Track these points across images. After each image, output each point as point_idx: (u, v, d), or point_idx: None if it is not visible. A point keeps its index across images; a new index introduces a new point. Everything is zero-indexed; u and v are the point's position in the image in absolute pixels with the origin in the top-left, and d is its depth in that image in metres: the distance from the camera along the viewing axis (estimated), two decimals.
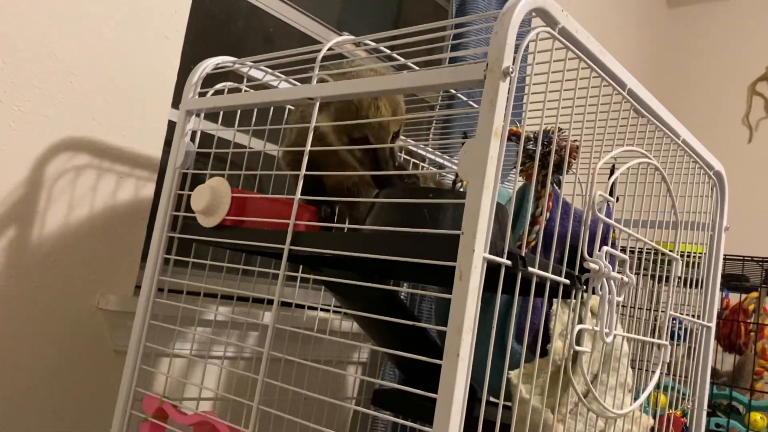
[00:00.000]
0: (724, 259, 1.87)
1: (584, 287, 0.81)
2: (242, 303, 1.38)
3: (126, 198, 1.19)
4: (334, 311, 1.50)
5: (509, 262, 0.70)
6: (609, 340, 0.84)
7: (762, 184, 2.94)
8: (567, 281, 0.79)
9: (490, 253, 0.66)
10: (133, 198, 1.20)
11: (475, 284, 0.65)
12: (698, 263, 1.17)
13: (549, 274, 0.76)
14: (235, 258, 1.37)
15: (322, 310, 1.50)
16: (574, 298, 0.82)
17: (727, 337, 2.03)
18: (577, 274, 0.81)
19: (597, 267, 0.81)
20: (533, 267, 0.73)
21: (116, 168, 1.18)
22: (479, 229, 0.65)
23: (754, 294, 1.98)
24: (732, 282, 2.03)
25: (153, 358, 1.20)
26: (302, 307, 1.54)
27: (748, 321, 1.95)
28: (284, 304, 1.54)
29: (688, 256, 1.13)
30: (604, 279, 0.81)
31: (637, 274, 1.24)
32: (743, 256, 1.82)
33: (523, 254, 0.72)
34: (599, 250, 0.81)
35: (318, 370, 1.48)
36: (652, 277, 1.18)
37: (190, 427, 0.90)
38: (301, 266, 1.31)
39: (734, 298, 2.07)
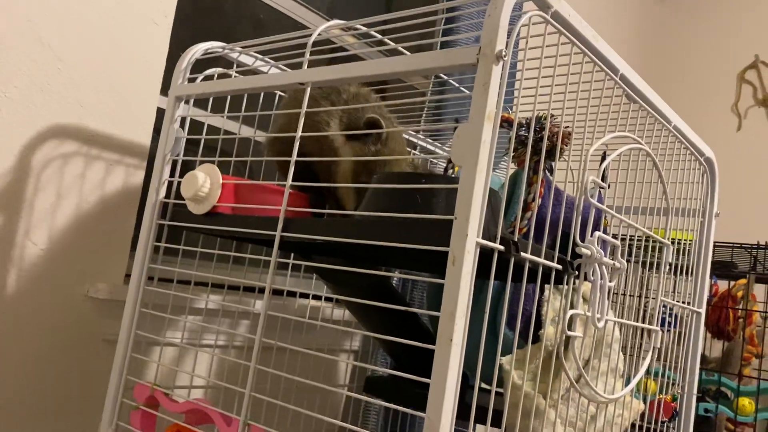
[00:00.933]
0: (714, 246, 1.88)
1: (576, 273, 0.81)
2: (233, 292, 1.37)
3: (115, 186, 1.18)
4: (325, 299, 1.50)
5: (502, 248, 0.70)
6: (601, 325, 0.84)
7: (751, 171, 2.96)
8: (559, 267, 0.79)
9: (483, 238, 0.66)
10: (122, 186, 1.19)
11: (468, 269, 0.65)
12: (688, 250, 1.17)
13: (541, 260, 0.76)
14: (226, 246, 1.36)
15: (313, 298, 1.50)
16: (566, 284, 0.82)
17: (716, 324, 2.04)
18: (569, 259, 0.81)
19: (589, 252, 0.81)
20: (525, 252, 0.73)
21: (105, 155, 1.16)
22: (472, 214, 0.64)
23: (743, 281, 1.99)
24: (721, 269, 2.04)
25: (144, 347, 1.19)
26: (294, 295, 1.53)
27: (737, 308, 1.97)
28: (275, 293, 1.53)
29: (679, 243, 1.14)
30: (596, 264, 0.82)
31: (628, 260, 1.25)
32: (732, 243, 1.83)
33: (516, 239, 0.72)
34: (591, 236, 0.82)
35: (310, 360, 1.48)
36: (643, 263, 1.18)
37: (181, 414, 0.90)
38: (292, 254, 1.30)
39: (723, 285, 2.08)
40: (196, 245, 1.02)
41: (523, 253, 0.72)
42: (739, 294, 2.00)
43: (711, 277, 2.00)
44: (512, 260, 0.72)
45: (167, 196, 1.01)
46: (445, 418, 0.62)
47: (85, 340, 1.16)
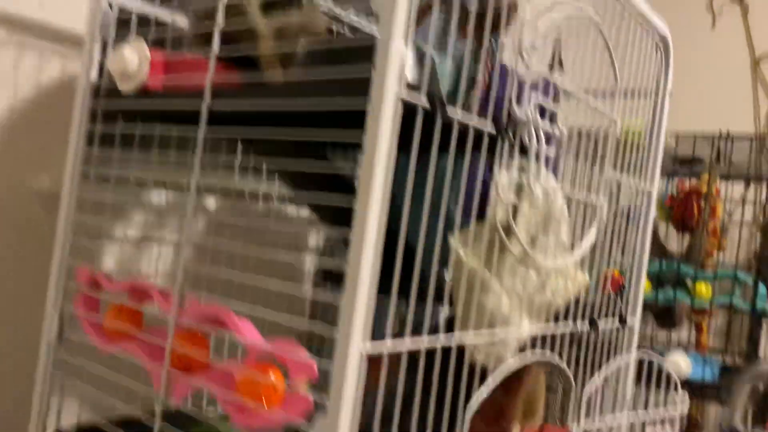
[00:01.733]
0: (677, 138, 1.88)
1: (512, 137, 0.80)
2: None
3: (51, 75, 1.14)
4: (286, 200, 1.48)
5: (427, 105, 0.68)
6: (538, 191, 0.84)
7: (725, 70, 2.93)
8: (492, 130, 0.78)
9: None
10: (59, 75, 1.15)
11: (386, 126, 0.63)
12: (639, 143, 1.16)
13: (472, 122, 0.74)
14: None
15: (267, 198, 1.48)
16: (502, 149, 0.81)
17: (681, 220, 2.07)
18: (504, 123, 0.80)
19: (524, 118, 0.79)
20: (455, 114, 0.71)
21: (39, 44, 1.12)
22: (390, 66, 0.62)
23: (707, 175, 2.00)
24: (686, 166, 2.04)
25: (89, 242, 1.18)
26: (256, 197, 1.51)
27: (701, 201, 1.99)
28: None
29: (633, 135, 1.12)
30: (532, 128, 0.80)
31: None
32: (694, 133, 1.83)
33: (443, 98, 0.70)
34: (528, 101, 0.80)
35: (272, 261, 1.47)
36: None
37: (125, 295, 0.90)
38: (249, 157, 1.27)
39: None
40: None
41: (450, 113, 0.71)
42: (705, 189, 2.02)
43: (677, 176, 2.01)
44: (439, 121, 0.70)
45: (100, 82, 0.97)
46: (364, 270, 0.62)
47: (32, 237, 1.15)
